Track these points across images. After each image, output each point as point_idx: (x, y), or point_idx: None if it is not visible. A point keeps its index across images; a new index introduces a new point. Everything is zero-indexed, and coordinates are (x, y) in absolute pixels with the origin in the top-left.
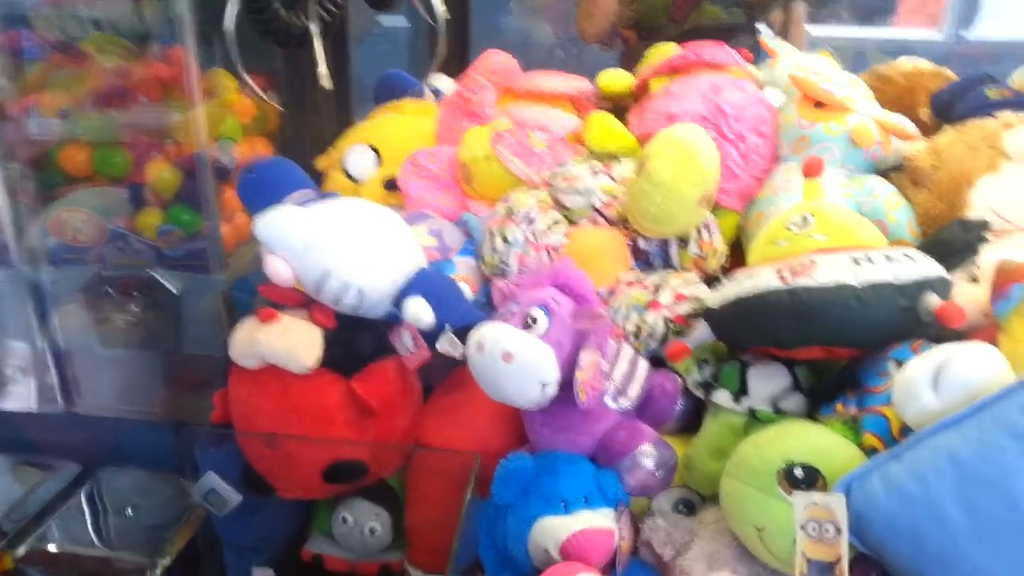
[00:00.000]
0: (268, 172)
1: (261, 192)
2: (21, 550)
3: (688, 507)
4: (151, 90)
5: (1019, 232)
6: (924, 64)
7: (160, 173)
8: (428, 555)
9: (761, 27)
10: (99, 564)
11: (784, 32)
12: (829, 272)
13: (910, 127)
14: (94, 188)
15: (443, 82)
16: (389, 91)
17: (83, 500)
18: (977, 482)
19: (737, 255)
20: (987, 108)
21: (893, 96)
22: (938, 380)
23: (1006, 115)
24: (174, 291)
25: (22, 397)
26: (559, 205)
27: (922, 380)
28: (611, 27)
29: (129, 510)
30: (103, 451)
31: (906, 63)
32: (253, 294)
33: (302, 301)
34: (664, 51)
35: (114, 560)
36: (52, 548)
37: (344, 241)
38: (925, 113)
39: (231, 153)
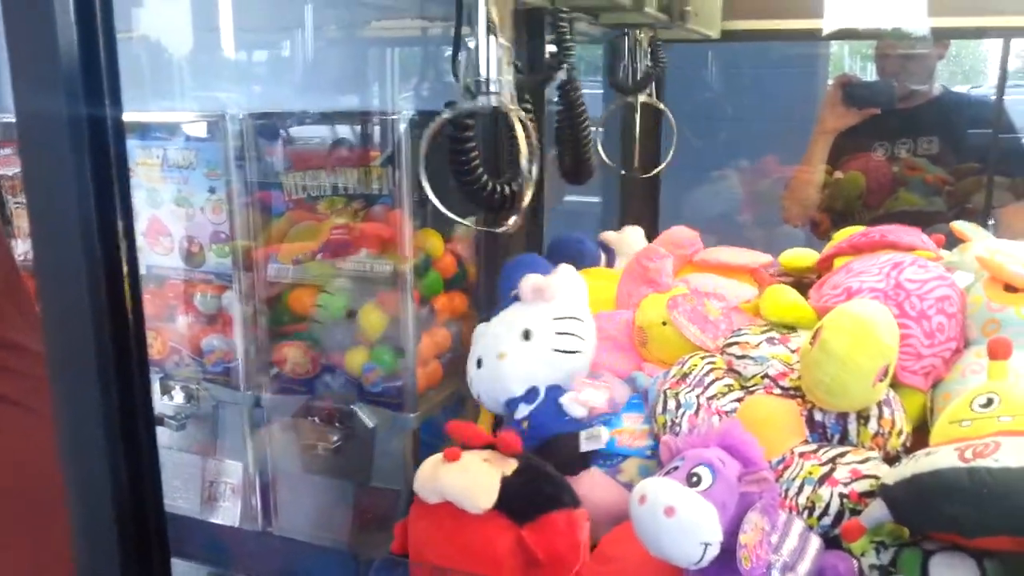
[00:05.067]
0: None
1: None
2: None
3: None
4: (371, 244)
5: None
6: None
7: (370, 316)
8: None
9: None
10: None
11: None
12: (1015, 455)
13: None
14: (318, 325)
15: (628, 234)
16: (561, 249)
17: None
18: None
19: (922, 437)
20: None
21: None
22: None
23: None
24: (370, 425)
25: (229, 513)
26: (733, 372)
27: None
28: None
29: None
30: (289, 573)
31: None
32: (437, 435)
33: (486, 442)
34: (852, 232)
35: None
36: None
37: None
38: None
39: (431, 304)
